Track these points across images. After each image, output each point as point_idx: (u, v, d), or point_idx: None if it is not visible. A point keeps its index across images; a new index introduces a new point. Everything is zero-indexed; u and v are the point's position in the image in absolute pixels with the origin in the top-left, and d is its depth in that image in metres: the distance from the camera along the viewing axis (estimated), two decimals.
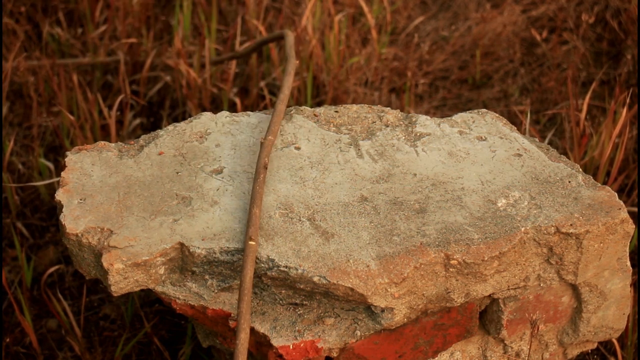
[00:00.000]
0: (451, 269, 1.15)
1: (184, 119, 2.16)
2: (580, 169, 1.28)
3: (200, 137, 1.30)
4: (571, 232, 1.18)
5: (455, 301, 1.18)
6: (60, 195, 1.18)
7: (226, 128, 1.31)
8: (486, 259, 1.14)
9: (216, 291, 1.16)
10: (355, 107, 1.37)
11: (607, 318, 1.31)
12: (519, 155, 1.29)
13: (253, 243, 1.07)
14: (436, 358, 1.27)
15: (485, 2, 2.62)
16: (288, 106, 1.67)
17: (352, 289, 1.10)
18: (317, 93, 2.27)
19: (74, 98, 2.10)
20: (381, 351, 1.20)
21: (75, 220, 1.16)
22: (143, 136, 1.32)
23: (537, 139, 1.35)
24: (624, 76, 2.29)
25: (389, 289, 1.11)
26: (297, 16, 2.43)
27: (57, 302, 1.60)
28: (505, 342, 1.29)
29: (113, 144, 1.29)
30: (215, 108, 2.14)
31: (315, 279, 1.09)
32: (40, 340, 1.62)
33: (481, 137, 1.33)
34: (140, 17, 2.31)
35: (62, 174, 1.21)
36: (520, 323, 1.28)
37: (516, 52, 2.45)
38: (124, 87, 2.06)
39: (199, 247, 1.11)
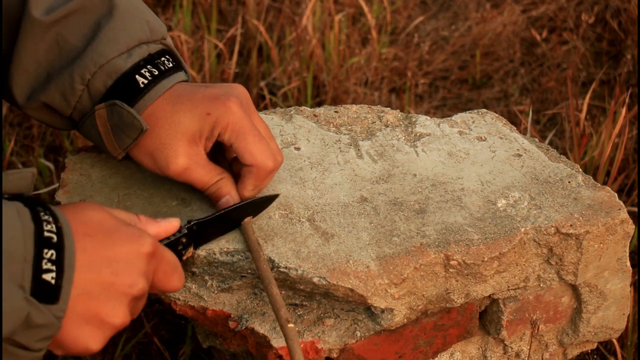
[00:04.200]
0: (451, 270, 1.15)
1: None
2: (580, 169, 1.28)
3: None
4: (571, 233, 1.18)
5: (455, 302, 1.18)
6: (60, 196, 1.18)
7: None
8: (486, 259, 1.14)
9: (216, 292, 1.16)
10: (355, 107, 1.37)
11: (607, 318, 1.31)
12: (519, 155, 1.29)
13: (292, 325, 1.04)
14: (436, 358, 1.27)
15: (485, 2, 2.62)
16: (288, 106, 1.67)
17: (352, 290, 1.10)
18: (317, 93, 2.27)
19: None
20: (381, 352, 1.20)
21: None
22: None
23: (537, 139, 1.35)
24: (624, 76, 2.29)
25: (388, 290, 1.11)
26: (297, 16, 2.43)
27: None
28: (505, 342, 1.29)
29: None
30: None
31: (315, 279, 1.09)
32: None
33: (481, 138, 1.33)
34: None
35: (62, 174, 1.21)
36: (520, 323, 1.28)
37: (516, 52, 2.45)
38: None
39: (198, 248, 1.11)
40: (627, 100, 1.80)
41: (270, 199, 1.14)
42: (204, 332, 1.30)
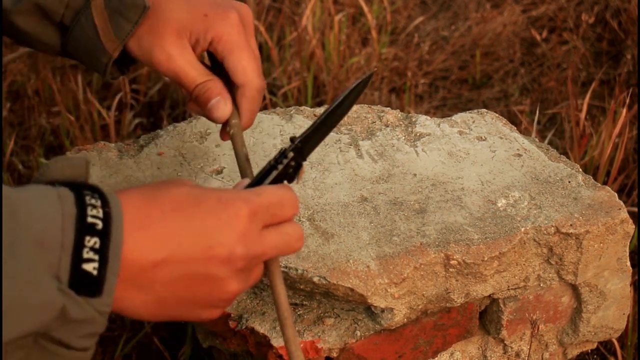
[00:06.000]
0: (451, 269, 1.15)
1: (184, 119, 2.16)
2: (580, 169, 1.28)
3: (200, 137, 1.30)
4: (571, 232, 1.18)
5: (455, 301, 1.18)
6: None
7: None
8: (486, 259, 1.14)
9: None
10: (355, 107, 1.37)
11: (607, 318, 1.31)
12: (519, 155, 1.29)
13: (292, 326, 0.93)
14: (436, 358, 1.27)
15: (485, 2, 2.62)
16: (288, 106, 1.67)
17: (352, 290, 1.10)
18: (317, 93, 2.27)
19: (74, 98, 2.10)
20: (381, 351, 1.20)
21: None
22: (143, 136, 1.32)
23: (537, 139, 1.35)
24: (623, 76, 2.29)
25: (388, 290, 1.11)
26: (297, 16, 2.43)
27: None
28: (505, 342, 1.29)
29: (113, 144, 1.29)
30: None
31: (315, 279, 1.09)
32: None
33: (481, 137, 1.33)
34: None
35: None
36: (520, 323, 1.28)
37: (516, 52, 2.46)
38: (123, 87, 2.07)
39: None
40: (627, 100, 1.80)
41: (366, 80, 1.02)
42: (204, 332, 1.30)
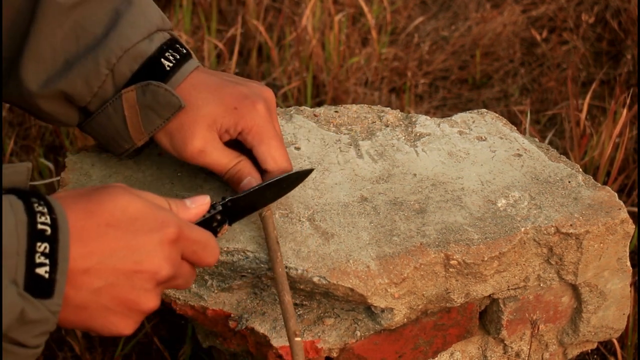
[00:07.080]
0: (451, 269, 1.15)
1: None
2: (580, 169, 1.28)
3: None
4: (571, 233, 1.18)
5: (455, 301, 1.18)
6: None
7: None
8: (486, 259, 1.14)
9: (216, 291, 1.16)
10: (355, 107, 1.37)
11: (607, 318, 1.31)
12: (519, 155, 1.29)
13: (299, 339, 1.03)
14: (436, 358, 1.27)
15: (485, 2, 2.62)
16: (288, 106, 1.67)
17: (352, 290, 1.10)
18: (317, 93, 2.27)
19: None
20: (381, 351, 1.20)
21: None
22: None
23: (537, 139, 1.35)
24: (624, 76, 2.29)
25: (388, 290, 1.11)
26: (297, 16, 2.43)
27: None
28: (505, 342, 1.29)
29: None
30: None
31: (315, 279, 1.09)
32: None
33: (481, 137, 1.33)
34: None
35: (62, 174, 1.21)
36: (520, 323, 1.28)
37: (516, 52, 2.45)
38: None
39: None
40: (627, 101, 1.80)
41: (305, 173, 1.12)
42: (204, 332, 1.30)
